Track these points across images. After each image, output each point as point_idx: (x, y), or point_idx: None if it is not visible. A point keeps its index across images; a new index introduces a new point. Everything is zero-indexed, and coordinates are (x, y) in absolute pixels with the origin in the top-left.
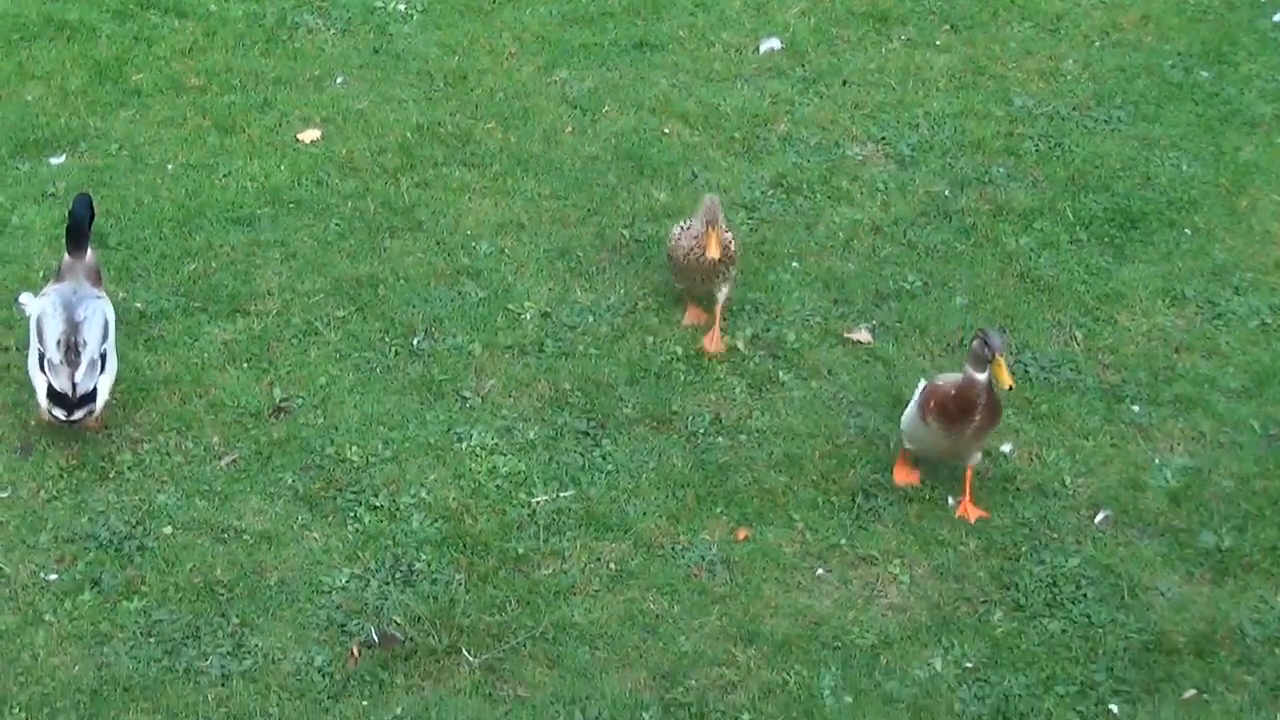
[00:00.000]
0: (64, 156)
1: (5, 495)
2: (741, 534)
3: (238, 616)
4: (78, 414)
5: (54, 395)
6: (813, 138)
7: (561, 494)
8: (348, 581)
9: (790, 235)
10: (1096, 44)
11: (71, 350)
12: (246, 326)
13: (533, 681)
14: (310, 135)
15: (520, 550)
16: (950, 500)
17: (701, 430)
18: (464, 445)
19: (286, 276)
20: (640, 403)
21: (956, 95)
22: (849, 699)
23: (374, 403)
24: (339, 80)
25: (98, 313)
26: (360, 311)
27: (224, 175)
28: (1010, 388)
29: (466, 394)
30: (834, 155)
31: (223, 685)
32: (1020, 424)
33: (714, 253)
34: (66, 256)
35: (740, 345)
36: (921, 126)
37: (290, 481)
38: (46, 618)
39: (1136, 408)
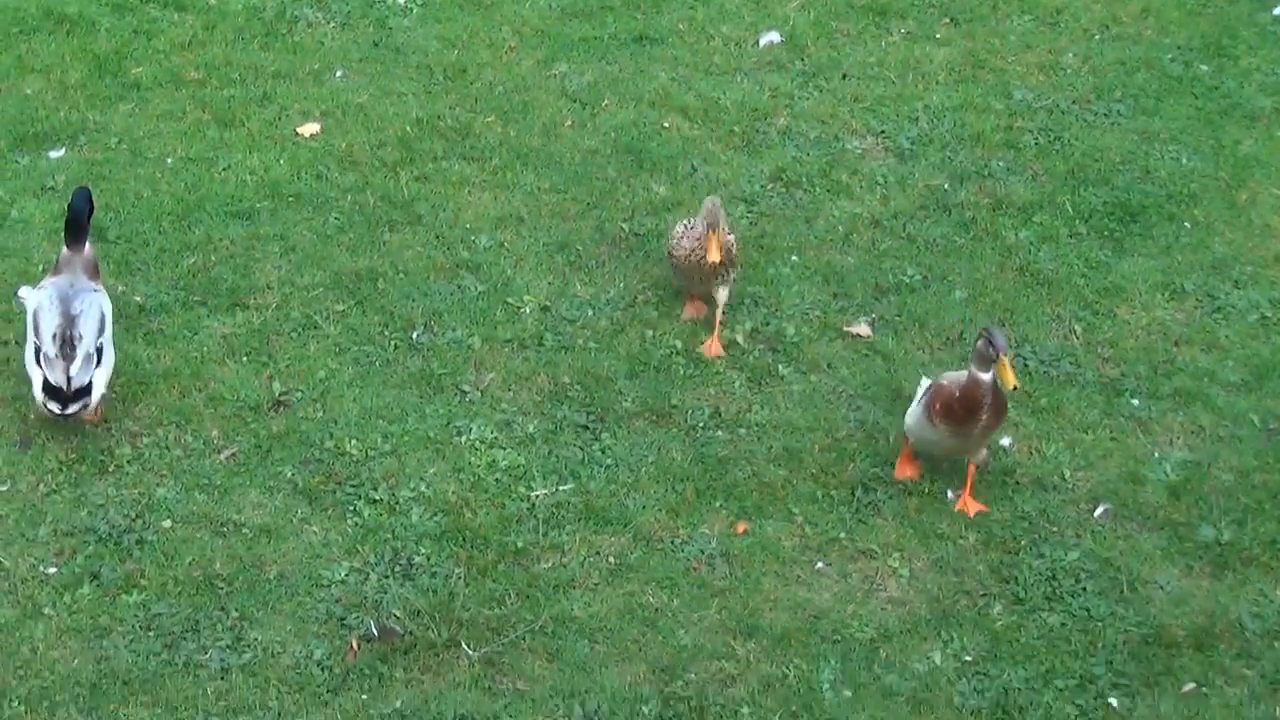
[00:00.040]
0: (63, 150)
1: (4, 489)
2: (741, 528)
3: (237, 610)
4: (72, 407)
5: (49, 389)
6: (812, 131)
7: (561, 488)
8: (347, 575)
9: (790, 229)
10: (1096, 37)
11: (67, 344)
12: (246, 320)
13: (532, 675)
14: (310, 129)
15: (520, 544)
16: (950, 494)
17: (701, 424)
18: (463, 439)
19: (286, 270)
20: (640, 396)
21: (956, 89)
22: (848, 692)
23: (373, 396)
24: (338, 74)
25: (94, 306)
26: (360, 305)
27: (223, 169)
28: (1015, 388)
29: (466, 388)
30: (833, 149)
31: (222, 679)
32: (1020, 418)
33: (714, 256)
34: (65, 250)
35: (740, 339)
36: (921, 120)
37: (289, 475)
38: (46, 611)
39: (1136, 401)
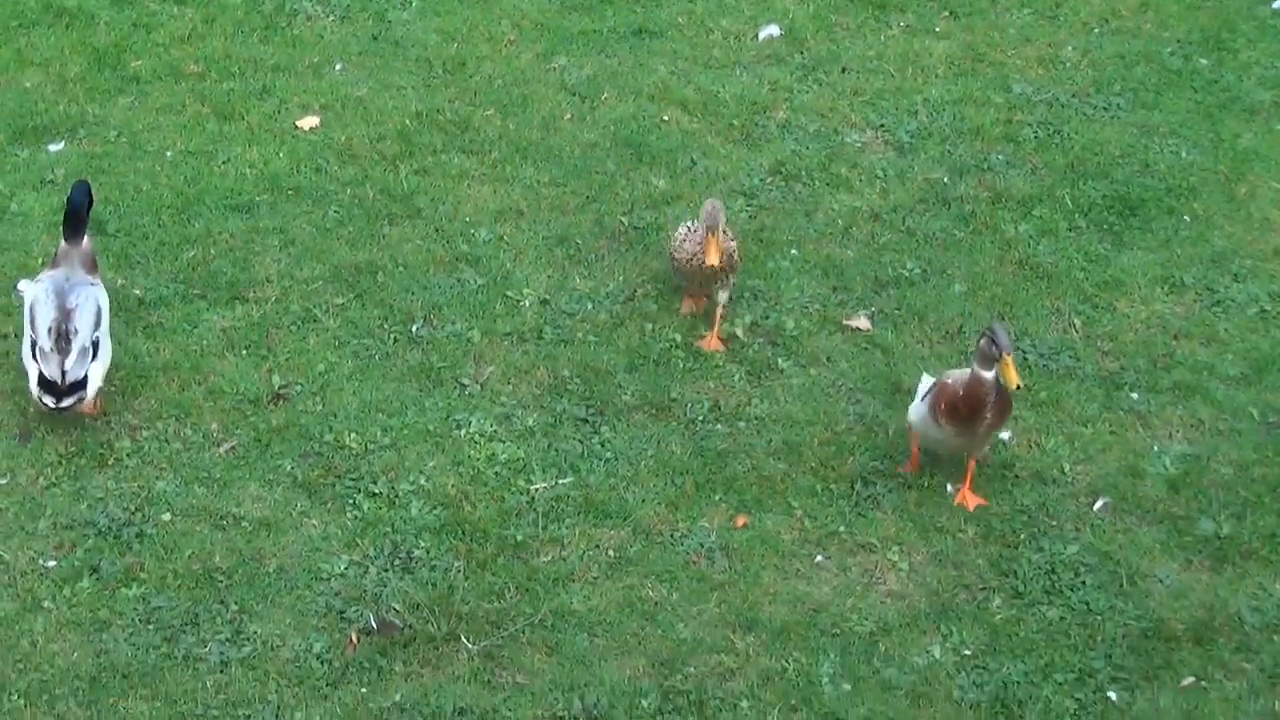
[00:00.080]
0: (63, 143)
1: (4, 482)
2: (740, 521)
3: (236, 603)
4: (66, 401)
5: (44, 383)
6: (812, 125)
7: (560, 481)
8: (346, 568)
9: (789, 222)
10: (1096, 31)
11: (62, 338)
12: (245, 313)
13: (531, 668)
14: (309, 122)
15: (519, 537)
16: (949, 487)
17: (700, 417)
18: (463, 432)
19: (285, 264)
20: (639, 390)
21: (955, 82)
22: (847, 686)
23: (373, 390)
24: (338, 67)
25: (90, 300)
26: (359, 299)
27: (223, 162)
28: (1019, 387)
29: (465, 381)
30: (833, 142)
31: (221, 672)
32: (1019, 411)
33: (713, 260)
34: (63, 243)
35: (739, 332)
36: (920, 113)
37: (289, 468)
38: (45, 604)
39: (1135, 395)
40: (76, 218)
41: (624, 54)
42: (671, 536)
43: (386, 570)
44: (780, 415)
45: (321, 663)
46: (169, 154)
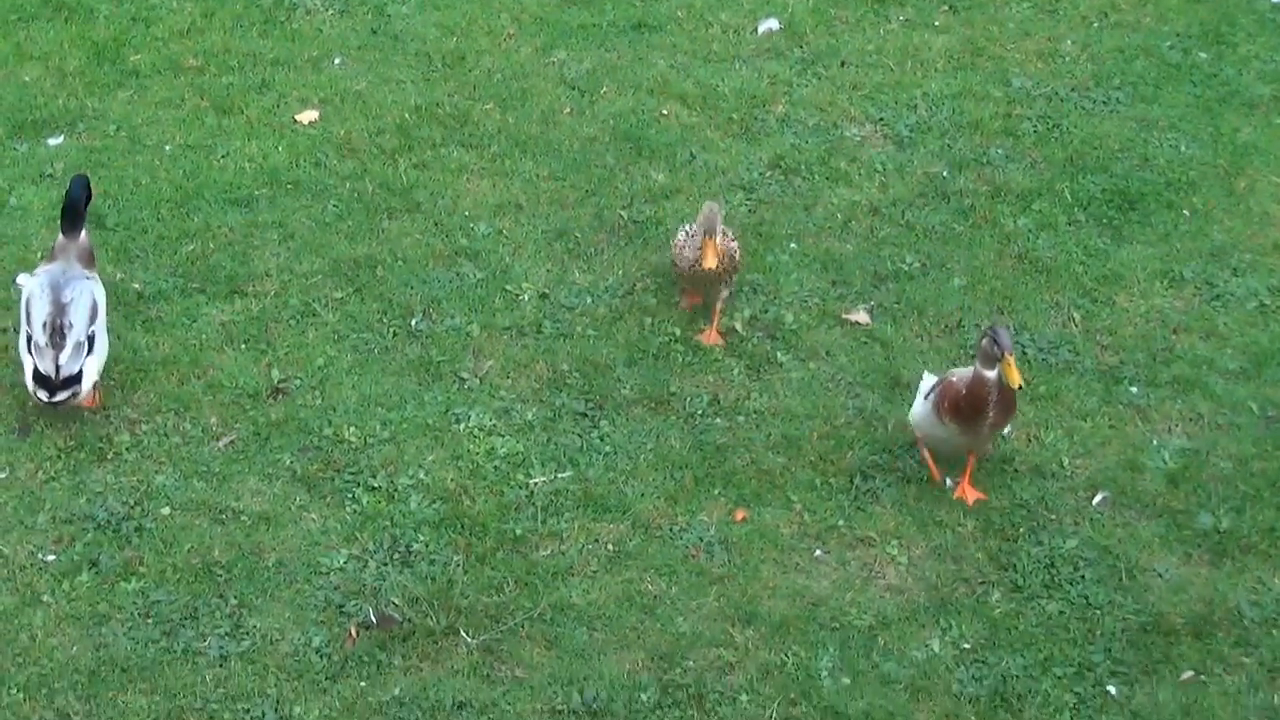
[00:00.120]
0: (62, 137)
1: (3, 476)
2: (739, 515)
3: (236, 597)
4: (60, 395)
5: (39, 377)
6: (811, 119)
7: (559, 475)
8: (346, 562)
9: (788, 216)
10: (1095, 25)
11: (57, 333)
12: (244, 307)
13: (531, 662)
14: (308, 116)
15: (518, 531)
16: (948, 482)
17: (699, 411)
18: (462, 426)
19: (284, 257)
20: (638, 384)
21: (955, 76)
22: (846, 680)
23: (372, 384)
24: (337, 61)
25: (85, 294)
26: (358, 293)
27: (222, 156)
28: (1020, 387)
29: (464, 375)
30: (832, 136)
31: (221, 666)
32: (1018, 405)
33: (710, 263)
34: (60, 237)
35: (738, 326)
36: (920, 107)
37: (288, 462)
38: (44, 598)
39: (1134, 389)
40: (74, 212)
41: (623, 48)
42: (671, 530)
43: (386, 564)
44: (779, 409)
45: (320, 656)
46: (168, 148)
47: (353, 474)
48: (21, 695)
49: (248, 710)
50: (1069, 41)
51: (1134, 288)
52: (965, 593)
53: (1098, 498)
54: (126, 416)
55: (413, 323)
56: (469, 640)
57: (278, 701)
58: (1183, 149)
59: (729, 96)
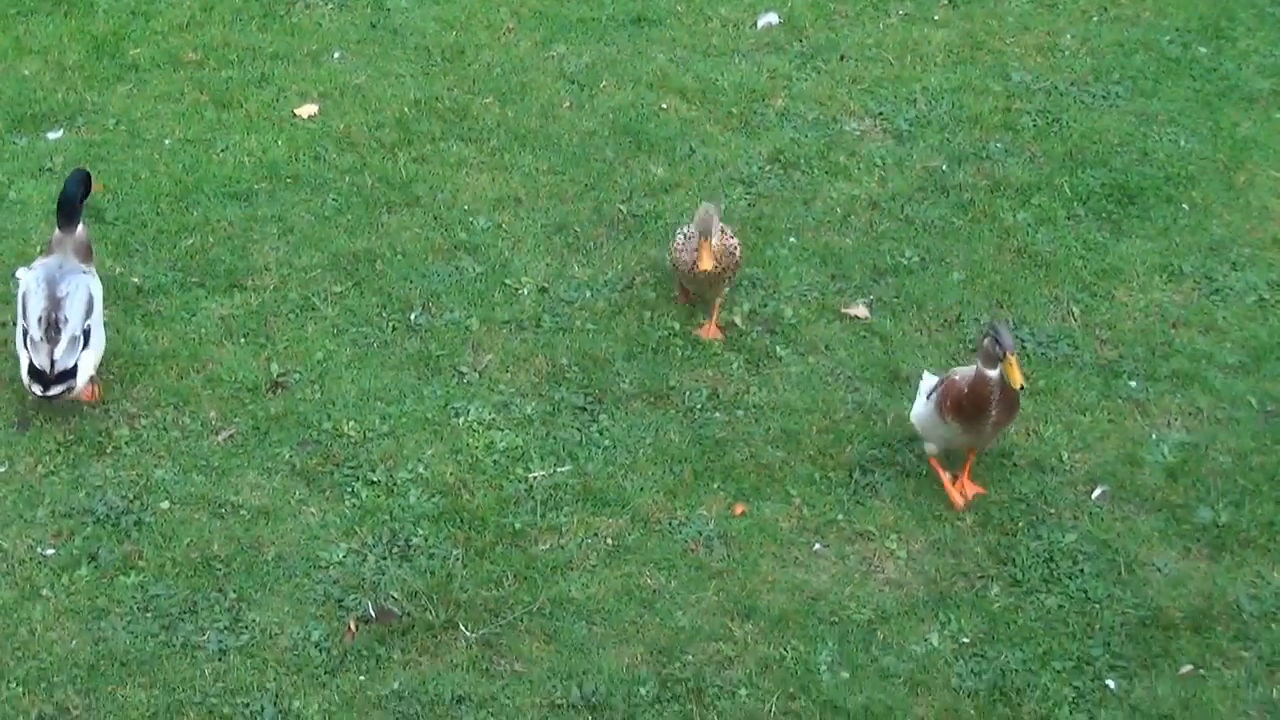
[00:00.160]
0: (61, 131)
1: (3, 470)
2: (739, 509)
3: (235, 591)
4: (54, 390)
5: (34, 371)
6: (810, 113)
7: (559, 469)
8: (345, 556)
9: (788, 210)
10: (1094, 19)
11: (52, 327)
12: (244, 302)
13: (530, 656)
14: (308, 110)
15: (517, 525)
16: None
17: (699, 405)
18: (461, 420)
19: (284, 252)
20: (637, 378)
21: (954, 70)
22: (846, 674)
23: (371, 378)
24: (336, 55)
25: (80, 288)
26: (358, 287)
27: (221, 150)
28: (1022, 387)
29: (464, 369)
30: (832, 130)
31: (220, 660)
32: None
33: (706, 265)
34: (56, 231)
35: (738, 320)
36: (919, 102)
37: (287, 457)
38: (44, 592)
39: (1134, 383)
40: (69, 206)
41: (623, 42)
42: (670, 525)
43: (385, 558)
44: (778, 403)
45: (320, 651)
46: (167, 142)
47: (352, 468)
48: (21, 689)
49: (247, 704)
50: (1068, 36)
51: (1133, 282)
52: (964, 587)
53: (1097, 492)
54: (126, 410)
55: (412, 317)
56: (468, 634)
57: (277, 695)
58: (1182, 143)
59: (728, 90)
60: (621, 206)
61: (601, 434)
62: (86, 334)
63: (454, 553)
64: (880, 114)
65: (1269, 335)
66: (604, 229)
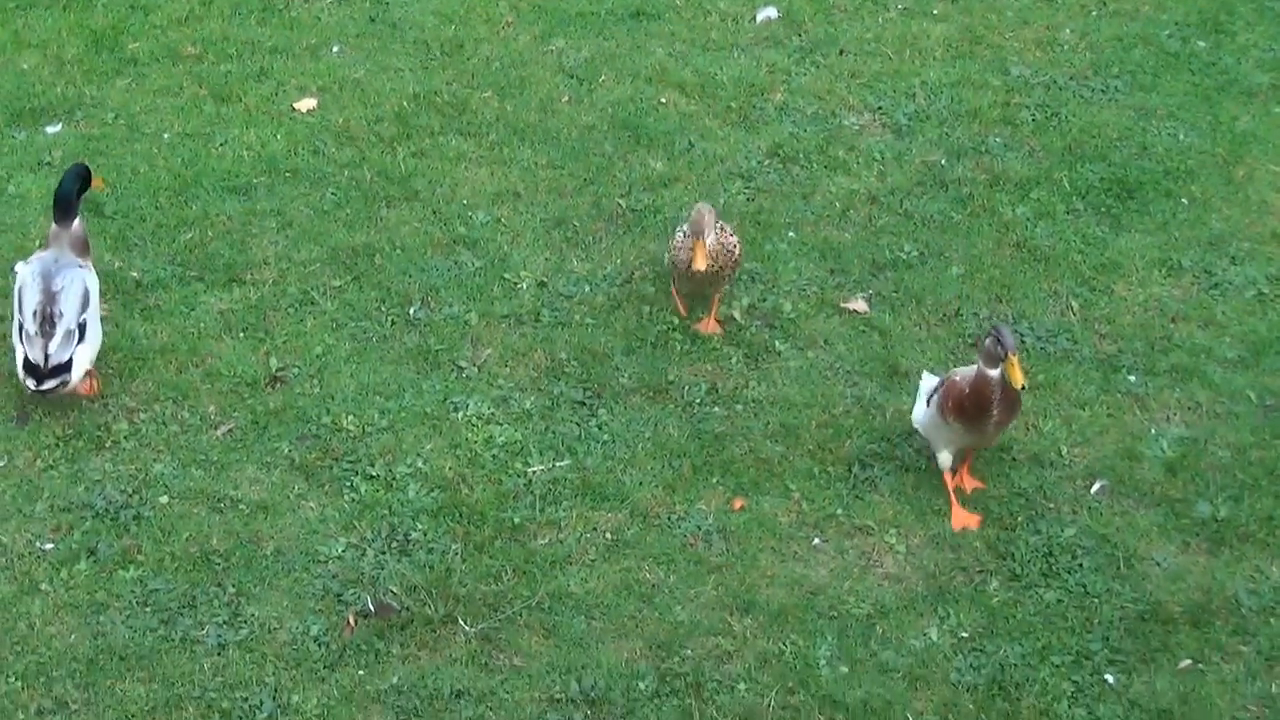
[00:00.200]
0: (60, 125)
1: (2, 464)
2: (737, 504)
3: (234, 586)
4: (48, 384)
5: (29, 365)
6: (809, 107)
7: (557, 464)
8: (344, 551)
9: (787, 205)
10: (1093, 13)
11: (47, 321)
12: (243, 296)
13: (529, 651)
14: (307, 104)
15: (516, 520)
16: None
17: (698, 400)
18: (460, 415)
19: (283, 246)
20: (636, 372)
21: (953, 65)
22: (845, 668)
23: (370, 372)
24: (335, 49)
25: (76, 282)
26: (357, 281)
27: (220, 144)
28: (1023, 387)
29: (463, 364)
30: (830, 125)
31: (219, 654)
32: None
33: (700, 265)
34: (53, 225)
35: (737, 315)
36: (918, 96)
37: (286, 451)
38: (43, 587)
39: (1133, 378)
40: (65, 201)
41: (621, 36)
42: (669, 519)
43: (384, 553)
44: (777, 398)
45: (319, 645)
46: (166, 136)
47: (351, 462)
48: (20, 683)
49: (246, 699)
50: (1067, 30)
51: (1132, 276)
52: (963, 581)
53: (1096, 486)
54: (125, 405)
55: (411, 311)
56: (467, 629)
57: (276, 690)
58: (1181, 137)
59: (727, 85)
60: (620, 201)
61: (600, 429)
62: (82, 328)
63: (453, 547)
64: (879, 108)
65: (1268, 330)
66: (603, 223)
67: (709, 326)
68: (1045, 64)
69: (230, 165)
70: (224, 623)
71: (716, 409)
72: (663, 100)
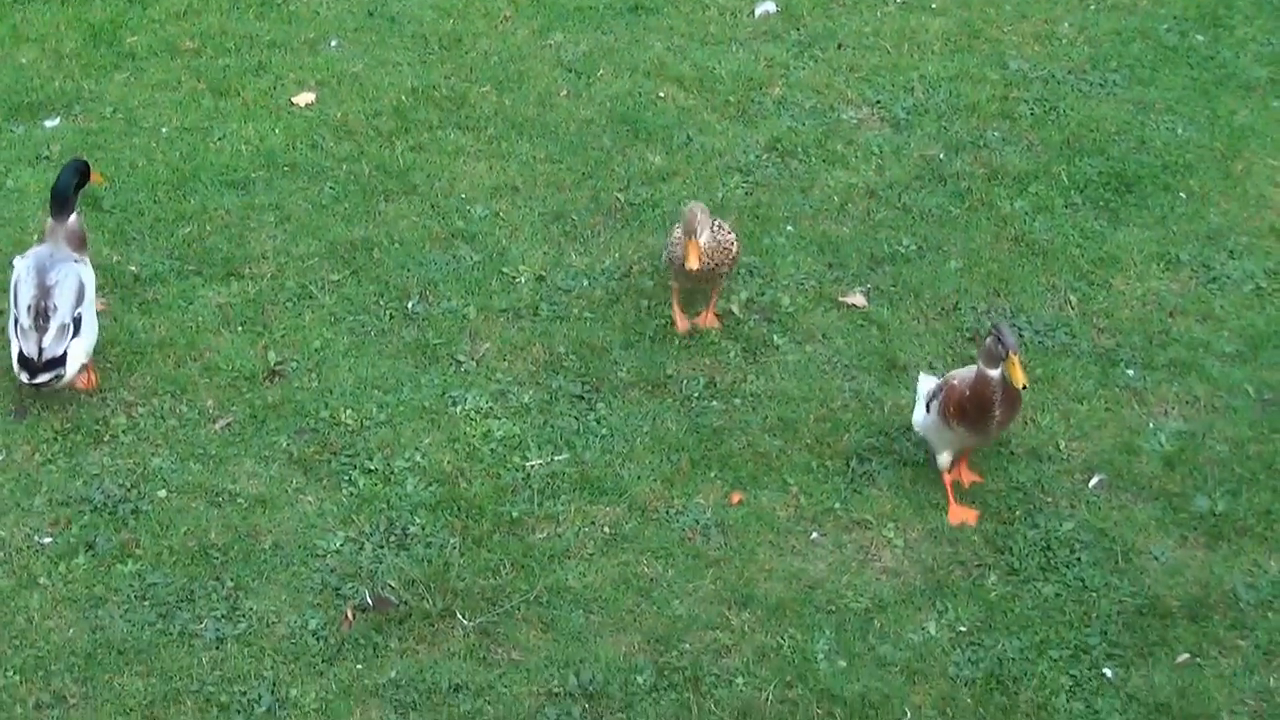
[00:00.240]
0: (58, 119)
1: (0, 458)
2: (736, 498)
3: (232, 580)
4: (42, 378)
5: (23, 359)
6: (808, 101)
7: (556, 458)
8: (342, 545)
9: (785, 199)
10: (1092, 7)
11: (41, 315)
12: (241, 290)
13: (527, 645)
14: (305, 98)
15: (515, 514)
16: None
17: (696, 394)
18: (459, 409)
19: (281, 240)
20: (635, 366)
21: (952, 59)
22: (843, 662)
23: (368, 366)
24: (333, 43)
25: (70, 277)
26: (355, 275)
27: (218, 138)
28: (1025, 387)
29: (461, 358)
30: (829, 119)
31: (217, 648)
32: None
33: (693, 264)
34: (50, 220)
35: (735, 309)
36: (916, 90)
37: (285, 445)
38: (41, 581)
39: (1131, 372)
40: (62, 196)
41: (620, 30)
42: (667, 513)
43: (382, 547)
44: (776, 392)
45: (317, 639)
46: (165, 130)
47: (349, 456)
48: (18, 677)
49: (244, 692)
50: (1066, 24)
51: (1130, 270)
52: (961, 575)
53: (1094, 480)
54: (123, 399)
55: (409, 305)
56: (465, 623)
57: (274, 684)
58: (1179, 131)
59: (726, 79)
60: (619, 195)
61: (599, 422)
62: (77, 322)
63: (451, 541)
64: (878, 102)
65: (1266, 324)
66: (601, 217)
67: (708, 320)
68: (1043, 58)
69: (228, 159)
70: (222, 617)
71: (715, 403)
72: (661, 94)
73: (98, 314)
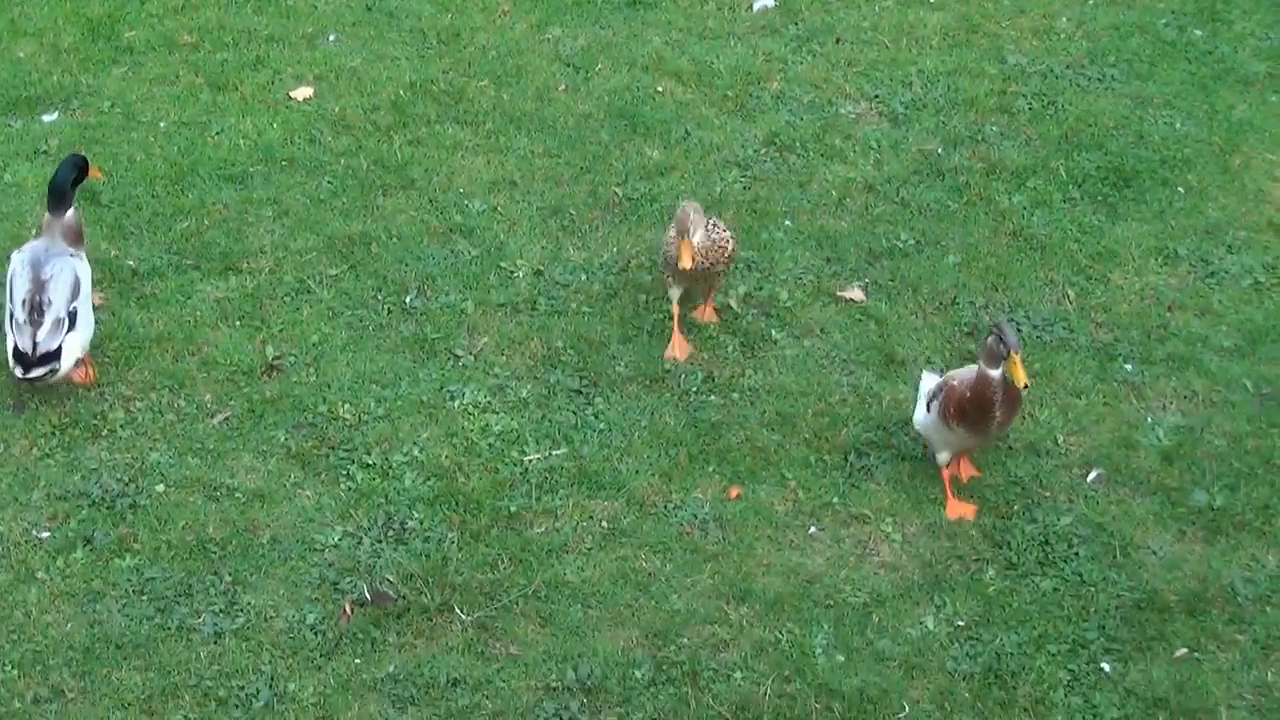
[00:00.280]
0: (56, 114)
1: None
2: (734, 492)
3: (230, 574)
4: (36, 372)
5: (18, 353)
6: (806, 96)
7: (554, 452)
8: (340, 539)
9: (783, 193)
10: (1090, 2)
11: (36, 309)
12: (239, 284)
13: (525, 640)
14: (303, 93)
15: (513, 508)
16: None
17: (694, 389)
18: (456, 403)
19: (279, 234)
20: (633, 361)
21: (950, 53)
22: (841, 657)
23: (366, 361)
24: (332, 38)
25: (66, 271)
26: (353, 269)
27: (216, 133)
28: (1026, 386)
29: (459, 352)
30: (827, 113)
31: (215, 643)
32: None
33: (685, 263)
34: (46, 214)
35: (733, 303)
36: (915, 84)
37: (283, 439)
38: (39, 575)
39: (1129, 366)
40: (59, 191)
41: (618, 25)
42: (665, 508)
43: (380, 541)
44: (774, 386)
45: (315, 634)
46: (163, 125)
47: (347, 451)
48: (16, 672)
49: (242, 687)
50: (1064, 18)
51: (1129, 265)
52: (959, 570)
53: (1092, 475)
54: (121, 393)
55: (407, 300)
56: (463, 617)
57: (272, 678)
58: (1178, 126)
59: (724, 73)
60: (617, 189)
61: (597, 417)
62: (72, 316)
63: (449, 536)
64: (876, 97)
65: (1264, 318)
66: (599, 212)
67: (706, 315)
68: (1042, 52)
69: (226, 154)
70: (220, 611)
71: (713, 398)
72: (659, 89)
73: (96, 309)
